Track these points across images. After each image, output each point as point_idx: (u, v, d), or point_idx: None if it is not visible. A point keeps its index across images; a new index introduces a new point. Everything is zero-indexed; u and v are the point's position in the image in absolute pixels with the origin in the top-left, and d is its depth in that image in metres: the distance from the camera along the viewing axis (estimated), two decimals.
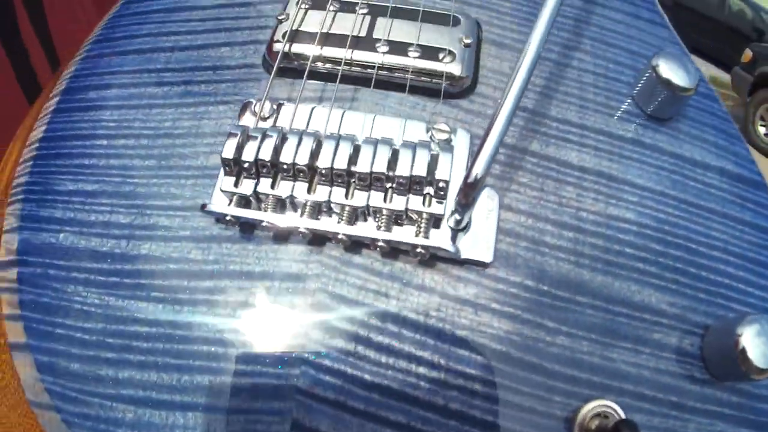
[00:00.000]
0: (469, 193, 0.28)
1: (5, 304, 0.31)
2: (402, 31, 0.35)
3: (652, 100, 0.35)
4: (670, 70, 0.34)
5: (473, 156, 0.28)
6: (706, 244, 0.32)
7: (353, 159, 0.29)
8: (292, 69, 0.35)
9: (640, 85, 0.35)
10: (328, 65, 0.34)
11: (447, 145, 0.30)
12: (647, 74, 0.35)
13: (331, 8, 0.36)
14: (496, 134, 0.27)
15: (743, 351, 0.28)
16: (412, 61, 0.34)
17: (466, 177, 0.27)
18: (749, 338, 0.28)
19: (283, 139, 0.30)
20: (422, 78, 0.34)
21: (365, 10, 0.36)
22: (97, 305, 0.29)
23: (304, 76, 0.34)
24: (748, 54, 6.34)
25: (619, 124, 0.35)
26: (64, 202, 0.32)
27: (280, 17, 0.36)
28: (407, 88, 0.34)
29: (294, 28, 0.35)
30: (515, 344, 0.29)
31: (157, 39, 0.37)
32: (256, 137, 0.30)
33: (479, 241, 0.30)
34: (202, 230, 0.31)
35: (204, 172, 0.32)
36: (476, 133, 0.33)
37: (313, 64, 0.34)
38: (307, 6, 0.36)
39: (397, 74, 0.34)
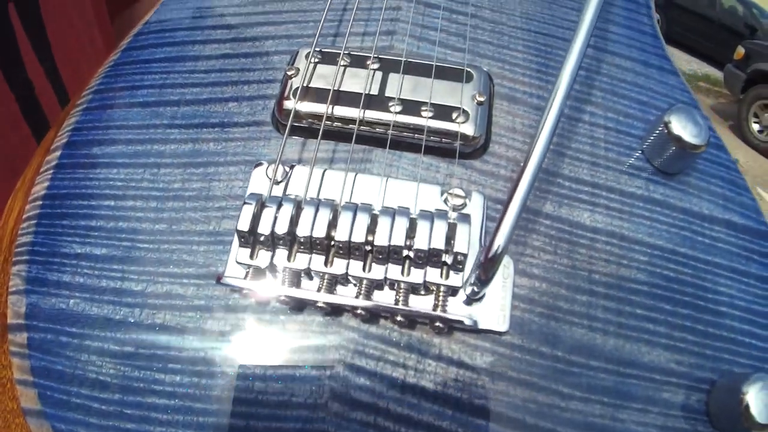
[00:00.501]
0: (489, 269, 0.28)
1: (16, 369, 0.30)
2: (414, 88, 0.35)
3: (663, 155, 0.35)
4: (681, 128, 0.34)
5: (492, 230, 0.28)
6: (713, 300, 0.32)
7: (371, 231, 0.29)
8: (302, 127, 0.34)
9: (650, 140, 0.35)
10: (340, 124, 0.34)
11: (464, 216, 0.30)
12: (658, 130, 0.35)
13: (342, 63, 0.36)
14: (515, 208, 0.27)
15: (747, 408, 0.28)
16: (425, 121, 0.34)
17: (486, 253, 0.27)
18: (753, 396, 0.29)
19: (299, 210, 0.29)
20: (436, 138, 0.34)
21: (377, 65, 0.36)
22: (113, 375, 0.29)
23: (318, 136, 0.34)
24: (740, 51, 6.38)
25: (630, 180, 0.35)
26: (72, 266, 0.32)
27: (289, 72, 0.35)
28: (421, 149, 0.34)
29: (305, 84, 0.35)
30: (531, 411, 0.29)
31: (161, 91, 0.37)
32: (271, 208, 0.29)
33: (495, 309, 0.30)
34: (217, 300, 0.31)
35: (216, 238, 0.32)
36: (490, 195, 0.33)
37: (324, 124, 0.34)
38: (317, 60, 0.36)
39: (410, 134, 0.34)
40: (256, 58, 0.38)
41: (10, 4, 0.54)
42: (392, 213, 0.29)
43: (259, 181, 0.33)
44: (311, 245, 0.29)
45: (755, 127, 6.02)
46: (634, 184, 0.35)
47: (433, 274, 0.29)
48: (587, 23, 0.33)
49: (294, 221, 0.29)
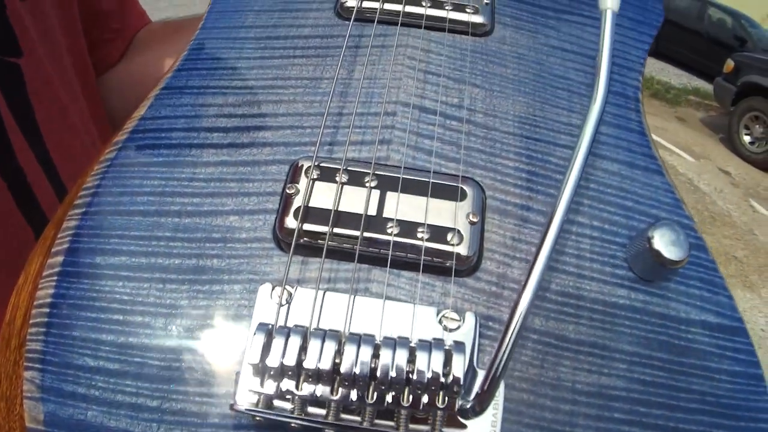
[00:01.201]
0: (485, 400, 0.29)
1: None
2: (411, 208, 0.36)
3: (644, 266, 0.37)
4: (663, 245, 0.35)
5: (488, 365, 0.29)
6: (686, 398, 0.34)
7: (374, 364, 0.30)
8: (303, 246, 0.35)
9: (633, 251, 0.37)
10: (340, 244, 0.35)
11: (459, 346, 0.32)
12: (641, 244, 0.36)
13: (341, 180, 0.37)
14: (511, 342, 0.29)
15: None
16: (421, 243, 0.35)
17: (483, 385, 0.29)
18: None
19: (305, 341, 0.31)
20: (431, 258, 0.35)
21: (374, 183, 0.37)
22: None
23: (319, 256, 0.35)
24: (729, 64, 6.43)
25: (613, 290, 0.36)
26: (86, 379, 0.33)
27: (289, 191, 0.37)
28: (417, 267, 0.35)
29: (305, 204, 0.36)
30: None
31: (162, 200, 0.38)
32: (279, 338, 0.31)
33: (487, 424, 0.31)
34: (230, 418, 0.32)
35: (224, 359, 0.33)
36: (482, 313, 0.35)
37: (325, 244, 0.35)
38: (316, 176, 0.37)
39: (407, 255, 0.35)
40: (255, 167, 0.39)
41: None
42: (393, 345, 0.31)
43: (263, 304, 0.34)
44: (317, 377, 0.30)
45: (746, 138, 6.06)
46: (617, 294, 0.36)
47: (429, 399, 0.30)
48: (587, 141, 0.35)
49: (301, 353, 0.30)
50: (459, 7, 0.47)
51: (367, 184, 0.37)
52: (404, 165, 0.38)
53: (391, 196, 0.37)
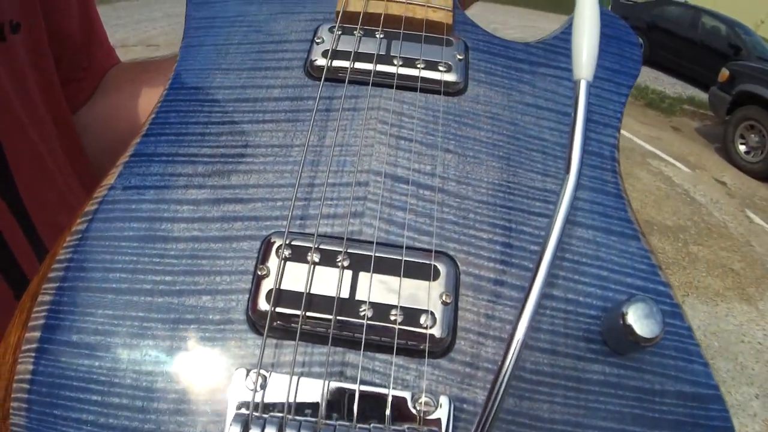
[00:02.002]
0: None
1: None
2: (384, 290, 0.36)
3: (618, 341, 0.36)
4: (636, 322, 0.35)
5: None
6: None
7: None
8: (276, 329, 0.35)
9: (607, 325, 0.37)
10: (313, 328, 0.35)
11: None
12: (615, 319, 0.36)
13: (313, 259, 0.36)
14: (487, 426, 0.30)
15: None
16: (394, 325, 0.35)
17: None
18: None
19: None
20: (404, 341, 0.35)
21: (347, 262, 0.36)
22: None
23: (296, 339, 0.35)
24: (724, 73, 6.45)
25: (587, 365, 0.36)
26: None
27: (260, 272, 0.36)
28: (390, 350, 0.35)
29: (277, 286, 0.36)
30: None
31: (134, 277, 0.37)
32: (255, 429, 0.31)
33: None
34: None
35: None
36: (457, 395, 0.34)
37: (298, 327, 0.35)
38: (287, 256, 0.37)
39: (381, 338, 0.35)
40: (226, 243, 0.38)
41: None
42: None
43: (238, 389, 0.33)
44: None
45: (742, 148, 6.08)
46: (591, 369, 0.36)
47: None
48: (560, 222, 0.34)
49: None
50: (431, 65, 0.46)
51: (339, 264, 0.36)
52: (376, 240, 0.38)
53: (363, 276, 0.36)
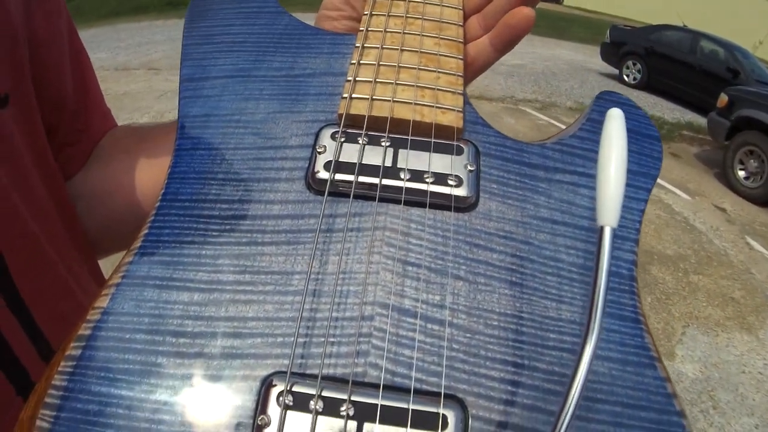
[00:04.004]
0: None
1: None
2: None
3: None
4: None
5: None
6: None
7: None
8: None
9: None
10: None
11: None
12: None
13: (315, 409, 0.34)
14: None
15: None
16: None
17: None
18: None
19: None
20: None
21: (351, 411, 0.34)
22: None
23: None
24: (723, 98, 6.48)
25: None
26: None
27: (260, 422, 0.34)
28: None
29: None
30: None
31: (129, 414, 0.35)
32: None
33: None
34: None
35: None
36: None
37: None
38: (289, 404, 0.35)
39: None
40: (224, 384, 0.36)
41: None
42: None
43: None
44: None
45: (741, 174, 6.08)
46: None
47: None
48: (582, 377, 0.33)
49: None
50: (440, 178, 0.43)
51: (343, 413, 0.34)
52: (383, 384, 0.36)
53: (367, 427, 0.34)
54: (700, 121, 7.93)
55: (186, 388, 0.36)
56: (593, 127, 0.50)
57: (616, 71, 10.31)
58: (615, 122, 0.40)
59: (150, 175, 0.66)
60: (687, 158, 7.07)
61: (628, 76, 9.95)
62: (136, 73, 6.84)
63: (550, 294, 0.41)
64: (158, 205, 0.43)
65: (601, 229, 0.36)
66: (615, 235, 0.42)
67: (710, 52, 9.15)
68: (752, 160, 5.95)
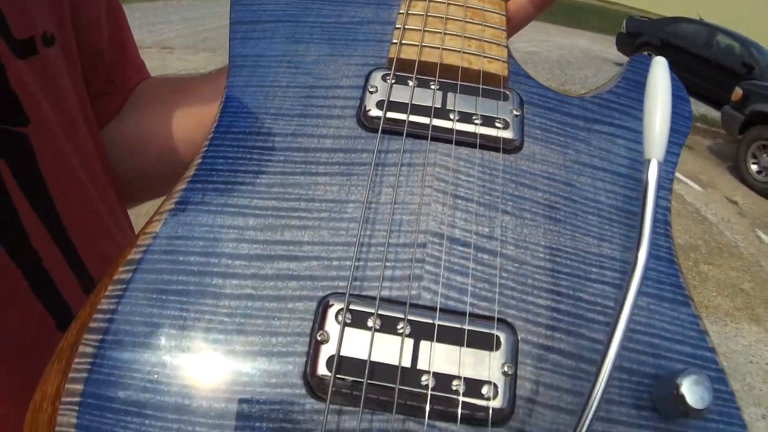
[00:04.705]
0: None
1: None
2: (445, 359, 0.35)
3: (668, 409, 0.36)
4: (689, 393, 0.35)
5: None
6: None
7: None
8: (336, 394, 0.34)
9: (659, 393, 0.37)
10: (375, 396, 0.34)
11: None
12: (668, 389, 0.36)
13: (374, 326, 0.36)
14: None
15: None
16: (456, 396, 0.34)
17: None
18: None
19: None
20: (466, 411, 0.34)
21: (408, 330, 0.36)
22: None
23: (359, 406, 0.34)
24: (738, 92, 6.45)
25: (638, 431, 0.36)
26: None
27: (320, 337, 0.35)
28: (452, 419, 0.34)
29: (338, 353, 0.35)
30: None
31: (182, 333, 0.36)
32: None
33: None
34: None
35: None
36: None
37: (362, 395, 0.34)
38: (347, 322, 0.36)
39: (441, 408, 0.34)
40: (281, 303, 0.37)
41: (1, 161, 0.49)
42: None
43: None
44: None
45: (754, 167, 6.07)
46: None
47: None
48: (632, 296, 0.35)
49: None
50: (488, 121, 0.45)
51: (400, 332, 0.36)
52: (438, 307, 0.37)
53: (424, 345, 0.35)
54: (714, 114, 7.90)
55: (242, 306, 0.37)
56: (628, 85, 0.53)
57: None
58: (660, 67, 0.42)
59: (184, 123, 0.67)
60: (700, 150, 7.06)
61: None
62: (149, 51, 6.85)
63: (592, 232, 0.42)
64: (211, 137, 0.45)
65: (648, 161, 0.38)
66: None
67: (726, 47, 9.11)
68: (765, 155, 5.93)
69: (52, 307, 0.53)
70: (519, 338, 0.37)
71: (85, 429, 0.34)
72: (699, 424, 0.37)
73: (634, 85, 0.52)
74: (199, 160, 0.44)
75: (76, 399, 0.34)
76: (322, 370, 0.35)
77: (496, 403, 0.34)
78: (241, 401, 0.34)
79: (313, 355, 0.35)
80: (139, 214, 0.70)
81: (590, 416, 0.32)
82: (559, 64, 9.49)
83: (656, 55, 0.51)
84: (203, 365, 0.35)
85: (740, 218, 5.23)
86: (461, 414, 0.34)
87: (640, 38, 10.00)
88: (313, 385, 0.35)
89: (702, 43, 9.23)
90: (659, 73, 0.44)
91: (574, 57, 10.46)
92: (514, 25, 0.57)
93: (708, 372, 0.37)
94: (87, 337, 0.36)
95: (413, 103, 0.46)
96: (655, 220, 0.43)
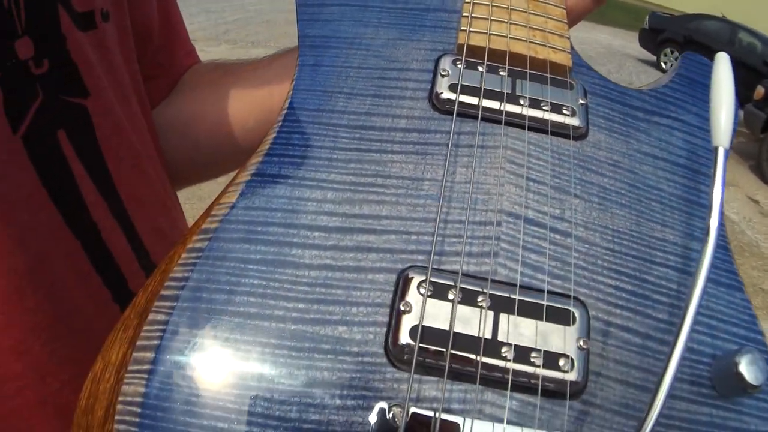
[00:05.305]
0: None
1: None
2: (524, 332, 0.37)
3: (726, 387, 0.38)
4: (747, 370, 0.36)
5: None
6: None
7: None
8: (418, 365, 0.35)
9: (717, 371, 0.39)
10: (458, 366, 0.36)
11: None
12: (726, 366, 0.38)
13: (455, 299, 0.37)
14: None
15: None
16: (535, 368, 0.36)
17: None
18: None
19: None
20: (543, 383, 0.36)
21: (488, 303, 0.37)
22: None
23: (443, 377, 0.35)
24: (760, 91, 6.41)
25: (699, 408, 0.38)
26: None
27: (403, 307, 0.36)
28: (528, 391, 0.36)
29: (421, 323, 0.36)
30: None
31: (263, 302, 0.37)
32: None
33: None
34: None
35: None
36: None
37: (446, 365, 0.35)
38: (429, 293, 0.37)
39: (520, 380, 0.36)
40: (361, 274, 0.38)
41: (61, 132, 0.49)
42: None
43: (380, 424, 0.34)
44: None
45: None
46: (701, 412, 0.38)
47: None
48: (703, 275, 0.37)
49: None
50: (556, 108, 0.47)
51: (481, 305, 0.37)
52: (518, 283, 0.38)
53: (503, 318, 0.37)
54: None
55: (322, 276, 0.38)
56: (682, 81, 0.55)
57: (653, 58, 10.19)
58: (724, 60, 0.44)
59: (236, 107, 0.68)
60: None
61: (665, 63, 9.86)
62: None
63: (655, 218, 0.44)
64: (285, 113, 0.46)
65: (716, 149, 0.41)
66: (705, 174, 0.46)
67: (748, 45, 9.04)
68: None
69: (108, 280, 0.54)
70: (590, 317, 0.39)
71: (155, 398, 0.34)
72: (753, 403, 0.38)
73: (688, 82, 0.55)
74: (274, 135, 0.45)
75: (146, 367, 0.35)
76: (404, 339, 0.36)
77: (572, 376, 0.36)
78: (321, 369, 0.35)
79: (395, 325, 0.36)
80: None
81: (663, 397, 0.34)
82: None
83: (679, 52, 0.53)
84: (282, 333, 0.36)
85: (762, 217, 5.21)
86: (541, 386, 0.36)
87: (663, 34, 9.93)
88: (395, 354, 0.36)
89: (724, 41, 9.16)
90: (723, 65, 0.46)
91: (595, 52, 10.39)
92: (572, 19, 0.59)
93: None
94: (159, 304, 0.37)
95: (485, 87, 0.47)
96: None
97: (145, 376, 0.34)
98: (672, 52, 9.76)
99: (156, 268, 0.40)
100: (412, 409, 0.34)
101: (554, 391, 0.36)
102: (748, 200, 5.55)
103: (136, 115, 0.62)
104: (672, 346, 0.35)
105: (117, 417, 0.34)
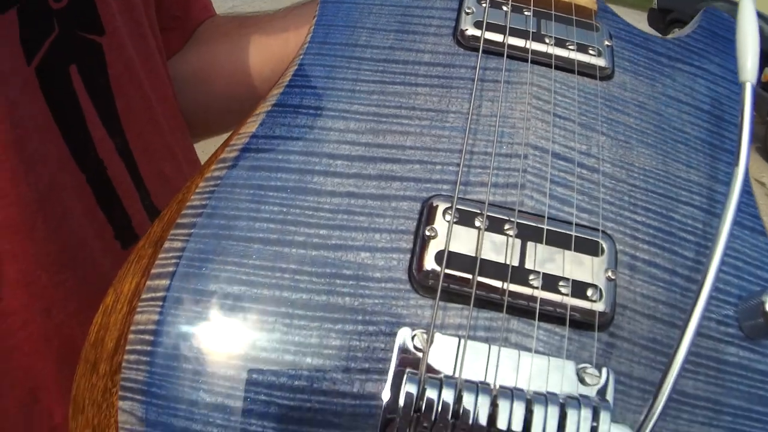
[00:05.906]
0: None
1: None
2: (552, 261, 0.36)
3: (753, 327, 0.38)
4: None
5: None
6: None
7: (527, 423, 0.30)
8: (444, 291, 0.35)
9: (743, 311, 0.38)
10: (485, 293, 0.35)
11: (604, 403, 0.32)
12: (753, 306, 0.38)
13: (481, 226, 0.37)
14: (662, 405, 0.31)
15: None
16: (563, 297, 0.35)
17: None
18: None
19: (459, 396, 0.31)
20: (571, 313, 0.35)
21: (515, 232, 0.37)
22: None
23: (469, 304, 0.35)
24: (767, 74, 6.34)
25: (726, 348, 0.37)
26: (202, 416, 0.31)
27: (429, 232, 0.36)
28: (556, 320, 0.35)
29: (447, 248, 0.35)
30: None
31: (284, 228, 0.36)
32: (432, 390, 0.30)
33: None
34: None
35: (360, 402, 0.32)
36: (615, 368, 0.35)
37: (472, 292, 0.35)
38: (455, 220, 0.37)
39: (548, 308, 0.35)
40: (384, 201, 0.38)
41: (72, 67, 0.50)
42: (544, 401, 0.31)
43: (402, 349, 0.33)
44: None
45: None
46: (728, 352, 0.37)
47: None
48: (732, 208, 0.37)
49: (455, 408, 0.30)
50: (582, 48, 0.46)
51: (508, 233, 0.37)
52: (546, 215, 0.38)
53: (531, 246, 0.36)
54: None
55: (345, 203, 0.38)
56: (703, 32, 0.55)
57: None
58: (749, 3, 0.45)
59: (252, 56, 0.68)
60: None
61: None
62: None
63: (680, 158, 0.44)
64: (306, 47, 0.45)
65: (744, 84, 0.41)
66: (729, 122, 0.46)
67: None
68: None
69: (111, 216, 0.54)
70: (617, 250, 0.38)
71: (168, 325, 0.33)
72: None
73: (710, 34, 0.54)
74: (295, 67, 0.44)
75: (160, 294, 0.34)
76: (429, 264, 0.35)
77: (600, 306, 0.35)
78: (343, 294, 0.35)
79: (420, 250, 0.36)
80: None
81: (692, 334, 0.33)
82: None
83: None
84: (303, 258, 0.36)
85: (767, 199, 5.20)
86: (569, 316, 0.35)
87: (671, 14, 9.84)
88: (419, 280, 0.35)
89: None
90: (749, 7, 0.47)
91: None
92: None
93: None
94: (175, 232, 0.36)
95: (510, 26, 0.47)
96: (732, 153, 0.45)
97: (160, 303, 0.34)
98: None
99: (172, 199, 0.40)
100: (437, 335, 0.34)
101: (581, 322, 0.36)
102: (754, 182, 5.50)
103: (153, 56, 0.61)
104: (700, 284, 0.34)
105: (128, 347, 0.33)
